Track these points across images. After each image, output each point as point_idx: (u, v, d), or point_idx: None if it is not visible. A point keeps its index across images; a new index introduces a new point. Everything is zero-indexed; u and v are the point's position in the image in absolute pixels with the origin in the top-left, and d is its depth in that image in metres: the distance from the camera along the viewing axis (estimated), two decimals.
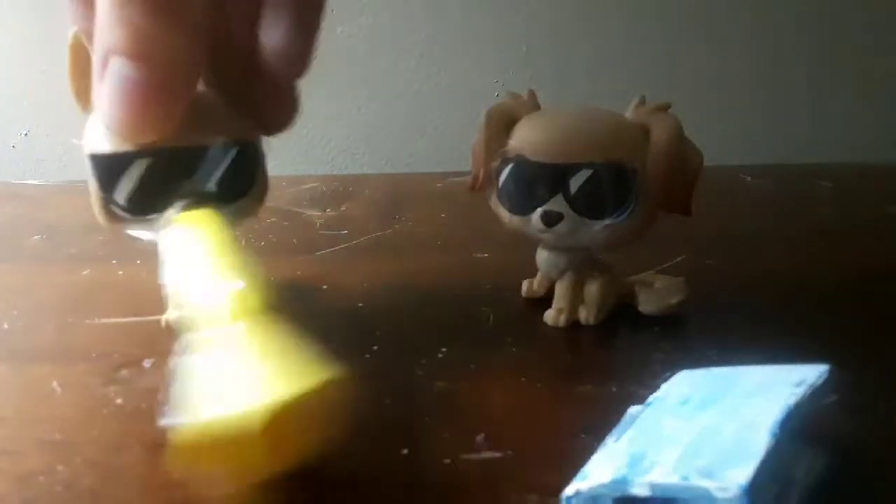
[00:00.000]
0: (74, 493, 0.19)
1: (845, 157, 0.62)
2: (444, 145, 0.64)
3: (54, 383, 0.25)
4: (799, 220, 0.45)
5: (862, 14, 0.63)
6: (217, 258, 0.22)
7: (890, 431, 0.22)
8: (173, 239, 0.24)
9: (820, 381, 0.19)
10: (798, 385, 0.18)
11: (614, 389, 0.24)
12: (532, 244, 0.30)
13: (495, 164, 0.28)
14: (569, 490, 0.17)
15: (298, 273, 0.35)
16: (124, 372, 0.26)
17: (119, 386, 0.25)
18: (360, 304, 0.31)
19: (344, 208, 0.47)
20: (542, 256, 0.30)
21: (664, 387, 0.21)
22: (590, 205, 0.27)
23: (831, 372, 0.19)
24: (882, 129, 0.64)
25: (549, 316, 0.30)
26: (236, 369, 0.19)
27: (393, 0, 0.63)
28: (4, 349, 0.28)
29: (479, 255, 0.37)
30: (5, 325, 0.30)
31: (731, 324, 0.30)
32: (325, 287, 0.33)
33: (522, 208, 0.28)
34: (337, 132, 0.65)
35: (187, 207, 0.24)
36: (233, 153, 0.25)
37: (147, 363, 0.27)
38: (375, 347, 0.27)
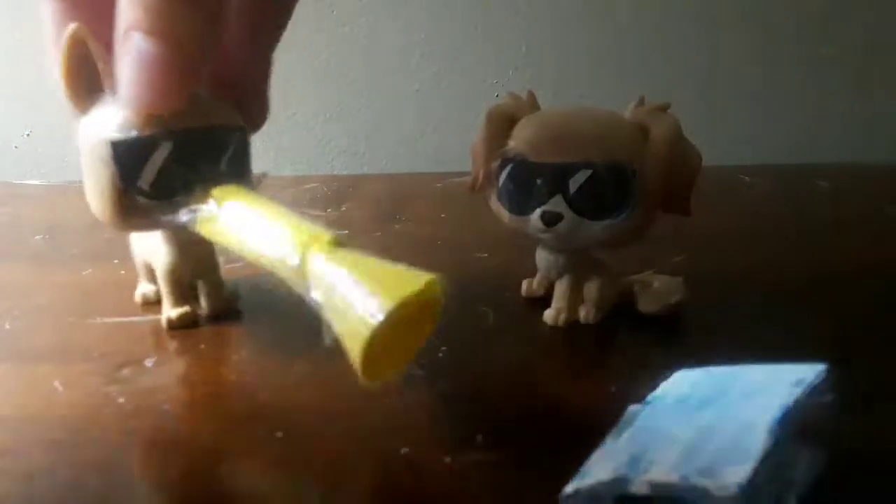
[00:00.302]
0: (76, 493, 0.20)
1: (843, 157, 0.62)
2: (444, 145, 0.64)
3: (56, 383, 0.25)
4: (797, 220, 0.46)
5: (861, 14, 0.63)
6: (280, 213, 0.24)
7: (888, 430, 0.22)
8: (222, 214, 0.24)
9: (818, 381, 0.19)
10: (796, 384, 0.18)
11: (614, 389, 0.25)
12: (532, 244, 0.30)
13: (495, 164, 0.29)
14: (568, 489, 0.17)
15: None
16: (126, 371, 0.26)
17: (120, 385, 0.25)
18: None
19: (344, 208, 0.47)
20: (542, 256, 0.30)
21: (663, 386, 0.21)
22: (589, 205, 0.27)
23: (829, 371, 0.19)
24: (880, 130, 0.64)
25: (549, 315, 0.30)
26: (355, 286, 0.20)
27: (393, 0, 0.63)
28: (6, 349, 0.28)
29: (479, 255, 0.37)
30: (7, 325, 0.30)
31: (731, 323, 0.30)
32: None
33: (522, 208, 0.28)
34: (337, 132, 0.65)
35: (206, 188, 0.25)
36: (237, 136, 0.26)
37: (149, 362, 0.27)
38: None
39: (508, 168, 0.28)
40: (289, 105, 0.63)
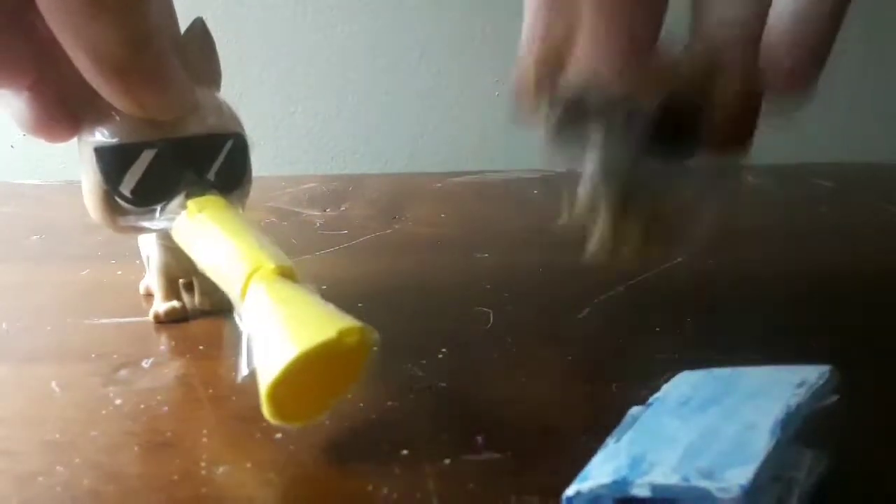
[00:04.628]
0: (74, 494, 0.19)
1: (846, 156, 0.62)
2: (444, 145, 0.64)
3: (53, 384, 0.25)
4: (800, 219, 0.45)
5: (864, 13, 0.63)
6: (239, 234, 0.24)
7: (891, 432, 0.22)
8: (190, 225, 0.25)
9: (821, 382, 0.19)
10: (799, 386, 0.18)
11: (614, 390, 0.24)
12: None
13: (549, 100, 0.25)
14: (569, 491, 0.17)
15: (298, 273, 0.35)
16: (123, 372, 0.26)
17: (118, 386, 0.25)
18: (360, 305, 0.31)
19: (344, 208, 0.47)
20: (590, 172, 0.26)
21: (665, 387, 0.21)
22: (651, 144, 0.24)
23: (832, 373, 0.19)
24: (883, 129, 0.64)
25: (593, 245, 0.26)
26: (277, 323, 0.20)
27: (393, 0, 0.63)
28: (3, 349, 0.28)
29: (479, 255, 0.37)
30: (4, 326, 0.30)
31: (732, 324, 0.30)
32: (324, 287, 0.33)
33: (576, 145, 0.25)
34: (337, 132, 0.65)
35: (189, 196, 0.25)
36: (229, 144, 0.26)
37: (146, 363, 0.26)
38: (375, 348, 0.27)
39: (562, 102, 0.25)
40: (289, 105, 0.63)
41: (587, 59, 0.24)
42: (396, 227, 0.43)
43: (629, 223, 0.26)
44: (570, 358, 0.28)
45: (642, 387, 0.22)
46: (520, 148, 0.64)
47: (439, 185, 0.53)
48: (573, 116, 0.25)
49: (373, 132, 0.65)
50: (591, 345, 0.28)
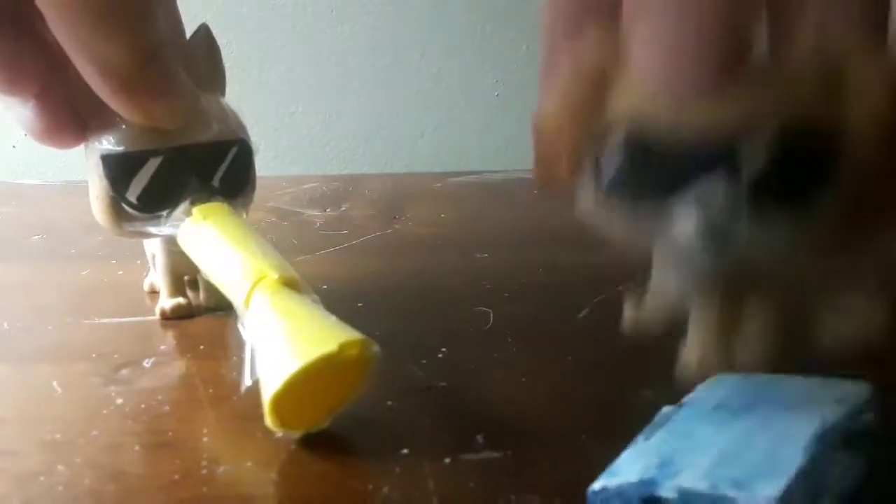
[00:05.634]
0: (75, 494, 0.19)
1: None
2: (444, 145, 0.64)
3: (54, 383, 0.25)
4: None
5: None
6: (243, 242, 0.24)
7: None
8: (194, 231, 0.25)
9: (859, 400, 0.18)
10: (836, 401, 0.18)
11: (614, 390, 0.24)
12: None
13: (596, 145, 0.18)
14: (596, 485, 0.17)
15: (298, 273, 0.35)
16: (124, 372, 0.26)
17: (119, 386, 0.25)
18: (360, 304, 0.31)
19: (344, 208, 0.47)
20: (672, 274, 0.20)
21: (698, 389, 0.20)
22: (772, 191, 0.17)
23: (871, 390, 0.19)
24: None
25: (691, 362, 0.20)
26: (279, 334, 0.21)
27: (393, 0, 0.63)
28: (4, 349, 0.28)
29: (479, 255, 0.37)
30: (5, 325, 0.30)
31: None
32: (324, 287, 0.33)
33: (649, 209, 0.18)
34: (337, 132, 0.65)
35: (195, 203, 0.26)
36: (233, 151, 0.27)
37: (147, 363, 0.27)
38: (375, 348, 0.27)
39: (621, 147, 0.18)
40: (289, 105, 0.63)
41: (656, 75, 0.16)
42: (396, 227, 0.43)
43: (747, 323, 0.20)
44: (570, 358, 0.28)
45: (643, 388, 0.22)
46: (520, 148, 0.64)
47: (439, 185, 0.53)
48: (637, 169, 0.18)
49: (373, 132, 0.65)
50: (591, 345, 0.28)
